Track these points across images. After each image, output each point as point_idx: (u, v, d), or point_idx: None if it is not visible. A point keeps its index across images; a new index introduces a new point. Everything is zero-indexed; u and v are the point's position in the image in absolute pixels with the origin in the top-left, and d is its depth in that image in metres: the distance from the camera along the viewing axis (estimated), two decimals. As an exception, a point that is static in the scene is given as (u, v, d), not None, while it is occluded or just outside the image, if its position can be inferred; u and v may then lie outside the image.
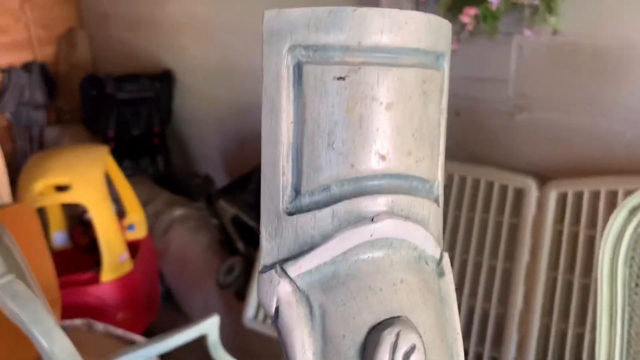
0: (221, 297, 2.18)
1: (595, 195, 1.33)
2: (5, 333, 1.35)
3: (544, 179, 1.44)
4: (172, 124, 3.05)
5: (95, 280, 1.94)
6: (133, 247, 2.14)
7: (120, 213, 2.20)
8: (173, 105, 3.00)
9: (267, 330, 1.79)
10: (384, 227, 0.35)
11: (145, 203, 2.43)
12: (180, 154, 3.09)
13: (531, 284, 1.43)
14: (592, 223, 1.34)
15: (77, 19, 3.71)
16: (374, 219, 0.35)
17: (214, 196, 2.26)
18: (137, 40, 3.15)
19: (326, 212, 0.35)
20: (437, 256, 0.39)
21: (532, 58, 1.42)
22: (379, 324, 0.34)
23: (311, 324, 0.34)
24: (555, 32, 1.34)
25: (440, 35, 0.38)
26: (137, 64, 3.11)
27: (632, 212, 0.89)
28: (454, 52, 1.50)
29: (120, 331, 1.68)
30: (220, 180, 2.68)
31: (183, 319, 2.32)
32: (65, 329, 0.85)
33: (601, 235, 1.32)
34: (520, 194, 1.46)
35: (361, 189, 0.36)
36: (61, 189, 1.94)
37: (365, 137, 0.35)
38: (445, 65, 0.39)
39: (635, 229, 0.89)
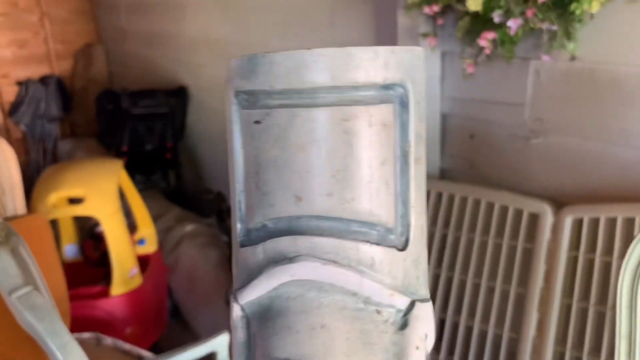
0: (230, 315, 2.17)
1: (611, 222, 1.32)
2: (7, 341, 1.35)
3: (559, 204, 1.43)
4: (185, 139, 3.07)
5: (105, 293, 1.94)
6: (143, 262, 2.14)
7: (132, 227, 2.21)
8: (186, 121, 3.02)
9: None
10: (302, 269, 0.35)
11: (156, 218, 2.44)
12: (192, 170, 3.10)
13: (545, 310, 1.41)
14: (608, 250, 1.32)
15: (95, 35, 3.77)
16: (293, 259, 0.35)
17: (225, 212, 2.26)
18: (153, 56, 3.19)
19: (260, 248, 0.37)
20: (400, 306, 0.37)
21: (549, 83, 1.42)
22: None
23: (247, 350, 0.36)
24: (572, 57, 1.34)
25: (382, 64, 0.35)
26: (153, 79, 3.14)
27: (653, 239, 0.88)
28: (471, 76, 1.51)
29: (128, 346, 1.68)
30: (232, 197, 2.69)
31: (190, 335, 2.31)
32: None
33: (617, 263, 1.30)
34: (535, 219, 1.45)
35: (288, 229, 0.36)
36: (74, 201, 1.95)
37: (281, 179, 0.36)
38: (408, 93, 0.36)
39: (656, 257, 0.88)
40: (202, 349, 1.34)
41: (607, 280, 1.33)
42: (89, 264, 2.22)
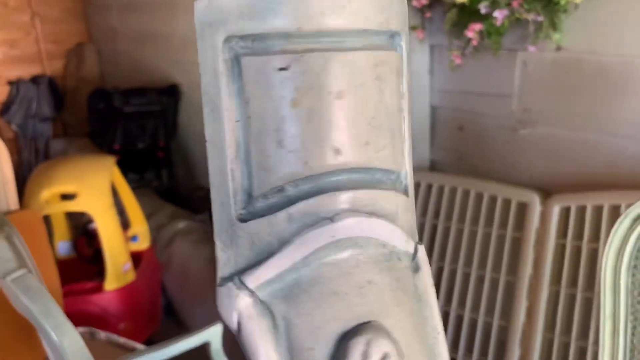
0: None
1: (598, 210, 1.35)
2: (5, 339, 1.35)
3: (547, 193, 1.46)
4: (177, 138, 3.08)
5: (99, 289, 1.94)
6: (136, 259, 2.14)
7: (124, 224, 2.21)
8: (179, 120, 3.03)
9: (269, 342, 1.79)
10: (347, 227, 0.32)
11: (148, 216, 2.44)
12: (185, 167, 3.11)
13: (534, 297, 1.43)
14: (595, 237, 1.35)
15: (86, 34, 3.77)
16: (334, 219, 0.32)
17: (218, 209, 2.27)
18: (145, 55, 3.20)
19: (282, 215, 0.33)
20: (411, 250, 0.36)
21: (536, 74, 1.44)
22: (348, 332, 0.31)
23: (275, 338, 0.31)
24: (558, 48, 1.36)
25: (392, 12, 0.34)
26: (145, 78, 3.15)
27: (635, 220, 0.90)
28: (459, 68, 1.53)
29: (122, 340, 1.68)
30: (224, 194, 2.70)
31: (184, 332, 2.31)
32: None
33: (604, 249, 1.33)
34: (523, 208, 1.48)
35: (318, 188, 0.33)
36: (67, 197, 1.96)
37: (317, 131, 0.32)
38: (403, 44, 0.36)
39: (638, 237, 0.90)
40: (196, 339, 1.35)
41: (594, 266, 1.35)
42: (82, 261, 2.22)
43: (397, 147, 0.36)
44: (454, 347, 1.56)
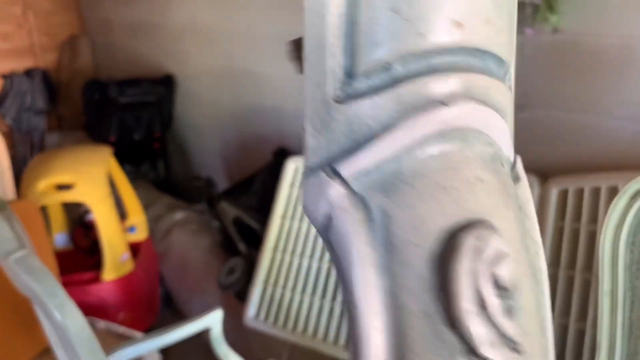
0: (222, 300, 2.18)
1: (595, 192, 1.35)
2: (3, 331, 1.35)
3: (545, 176, 1.46)
4: (173, 128, 3.07)
5: (97, 279, 1.94)
6: (134, 250, 2.14)
7: (122, 215, 2.21)
8: (174, 110, 3.02)
9: (269, 329, 1.79)
10: (460, 113, 0.28)
11: (146, 207, 2.44)
12: (181, 158, 3.10)
13: (532, 280, 1.44)
14: (593, 219, 1.35)
15: (80, 26, 3.74)
16: (447, 103, 0.28)
17: (216, 198, 2.27)
18: (139, 46, 3.18)
19: (387, 96, 0.28)
20: (512, 158, 0.32)
21: (534, 56, 1.44)
22: (458, 228, 0.27)
23: (371, 232, 0.28)
24: (556, 30, 1.36)
25: None
26: (139, 70, 3.14)
27: (633, 197, 0.91)
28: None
29: (122, 329, 1.69)
30: (221, 184, 2.70)
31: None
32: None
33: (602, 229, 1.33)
34: (521, 192, 1.48)
35: (430, 67, 0.28)
36: (64, 188, 1.95)
37: None
38: None
39: (636, 214, 0.90)
40: (196, 325, 1.35)
41: (592, 248, 1.36)
42: (80, 252, 2.22)
43: (512, 35, 0.32)
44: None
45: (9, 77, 3.55)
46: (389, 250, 0.27)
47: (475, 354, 0.25)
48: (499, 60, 0.30)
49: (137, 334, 1.63)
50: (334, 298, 1.71)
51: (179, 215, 2.56)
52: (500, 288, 0.26)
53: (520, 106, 1.52)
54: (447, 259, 0.26)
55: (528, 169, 1.53)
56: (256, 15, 2.38)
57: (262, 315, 1.81)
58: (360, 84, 0.29)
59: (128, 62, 3.30)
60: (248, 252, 2.09)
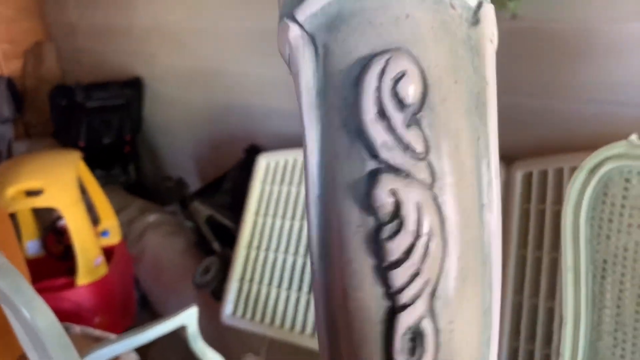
0: (198, 299, 2.18)
1: (559, 173, 1.38)
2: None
3: (509, 160, 1.49)
4: (143, 131, 3.05)
5: (71, 284, 1.92)
6: (107, 254, 2.13)
7: (94, 220, 2.19)
8: (143, 113, 3.00)
9: (247, 325, 1.80)
10: None
11: (118, 211, 2.42)
12: (152, 161, 3.08)
13: (503, 262, 1.46)
14: (558, 199, 1.39)
15: (44, 32, 3.69)
16: None
17: (188, 198, 2.27)
18: (105, 49, 3.15)
19: None
20: (472, 3, 0.35)
21: (494, 44, 1.47)
22: (375, 54, 0.32)
23: (315, 64, 0.33)
24: (514, 16, 1.39)
25: None
26: (106, 73, 3.11)
27: (590, 173, 0.94)
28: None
29: (98, 332, 1.68)
30: (194, 185, 2.69)
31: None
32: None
33: (566, 208, 1.37)
34: (488, 177, 1.51)
35: None
36: (33, 194, 1.93)
37: None
38: None
39: (594, 188, 0.93)
40: (172, 323, 1.35)
41: (557, 228, 1.39)
42: (53, 259, 2.20)
43: None
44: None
45: (-28, 86, 3.48)
46: (326, 78, 0.33)
47: (377, 157, 0.31)
48: None
49: (113, 336, 1.62)
50: (309, 291, 1.73)
51: (151, 217, 2.54)
52: (404, 103, 0.31)
53: (483, 93, 1.55)
54: (359, 78, 0.32)
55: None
56: (222, 12, 2.38)
57: (239, 312, 1.81)
58: None
59: (95, 67, 3.26)
60: (222, 250, 2.09)
